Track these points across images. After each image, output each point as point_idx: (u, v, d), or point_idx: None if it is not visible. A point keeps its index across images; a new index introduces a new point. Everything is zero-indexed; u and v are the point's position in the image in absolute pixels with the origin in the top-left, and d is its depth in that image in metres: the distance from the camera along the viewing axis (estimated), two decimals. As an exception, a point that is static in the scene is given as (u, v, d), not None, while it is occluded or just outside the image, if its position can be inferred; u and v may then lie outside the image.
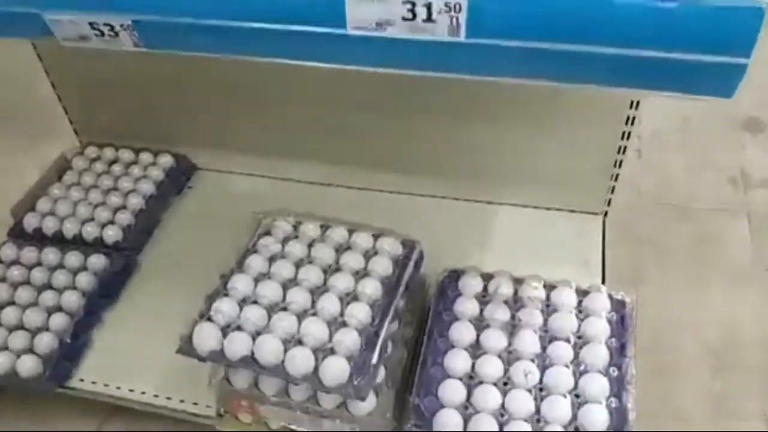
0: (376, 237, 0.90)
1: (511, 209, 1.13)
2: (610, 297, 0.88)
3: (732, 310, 1.19)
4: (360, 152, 1.14)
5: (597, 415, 0.75)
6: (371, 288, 0.82)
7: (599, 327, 0.84)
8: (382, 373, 0.80)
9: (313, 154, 1.17)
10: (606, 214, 1.10)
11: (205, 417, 0.91)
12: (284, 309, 0.80)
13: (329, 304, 0.80)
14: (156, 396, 0.94)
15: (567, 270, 0.98)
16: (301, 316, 0.79)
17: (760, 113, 1.56)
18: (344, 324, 0.78)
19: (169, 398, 0.94)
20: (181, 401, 0.93)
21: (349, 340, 0.76)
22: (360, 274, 0.85)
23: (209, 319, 0.80)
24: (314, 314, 0.79)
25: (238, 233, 0.93)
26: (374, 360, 0.75)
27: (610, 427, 0.75)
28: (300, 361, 0.75)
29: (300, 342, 0.77)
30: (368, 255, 0.87)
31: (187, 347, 0.79)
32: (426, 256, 0.91)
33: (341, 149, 1.14)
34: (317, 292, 0.82)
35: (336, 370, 0.74)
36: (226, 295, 0.82)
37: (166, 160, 1.23)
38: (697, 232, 1.32)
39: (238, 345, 0.77)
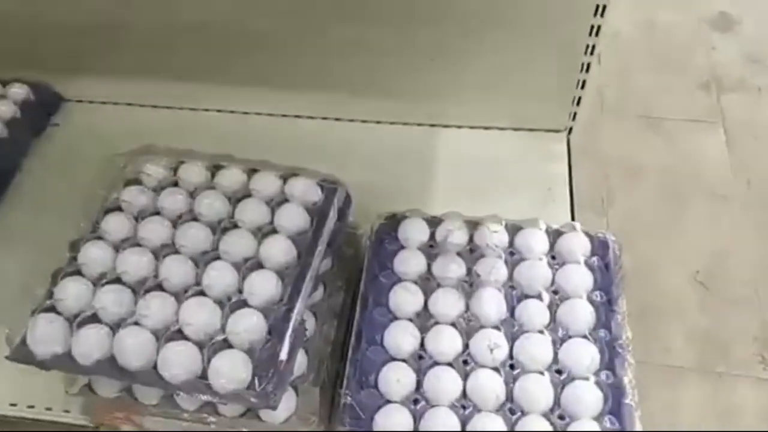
0: (284, 179, 0.67)
1: (458, 132, 0.93)
2: (589, 236, 0.69)
3: (714, 231, 1.04)
4: (267, 67, 0.90)
5: (586, 394, 0.57)
6: (279, 250, 0.61)
7: (578, 277, 0.65)
8: (302, 362, 0.60)
9: (208, 73, 0.92)
10: (570, 130, 0.92)
11: (81, 427, 0.69)
12: (157, 288, 0.58)
13: (221, 276, 0.58)
14: (13, 405, 0.71)
15: (528, 201, 0.84)
16: (180, 297, 0.58)
17: (730, 8, 1.38)
18: (243, 304, 0.57)
19: (31, 407, 0.71)
20: (48, 409, 0.71)
21: (248, 325, 0.55)
22: (263, 231, 0.63)
23: (51, 308, 0.57)
24: (200, 293, 0.58)
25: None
26: (284, 352, 0.54)
27: (604, 410, 0.57)
28: (179, 361, 0.54)
29: (180, 334, 0.55)
30: (273, 204, 0.65)
31: (20, 351, 0.56)
32: (355, 199, 0.70)
33: (243, 65, 0.90)
34: (203, 260, 0.60)
35: (231, 370, 0.53)
36: (76, 272, 0.59)
37: (18, 92, 0.96)
38: (669, 146, 1.15)
39: (91, 344, 0.55)
